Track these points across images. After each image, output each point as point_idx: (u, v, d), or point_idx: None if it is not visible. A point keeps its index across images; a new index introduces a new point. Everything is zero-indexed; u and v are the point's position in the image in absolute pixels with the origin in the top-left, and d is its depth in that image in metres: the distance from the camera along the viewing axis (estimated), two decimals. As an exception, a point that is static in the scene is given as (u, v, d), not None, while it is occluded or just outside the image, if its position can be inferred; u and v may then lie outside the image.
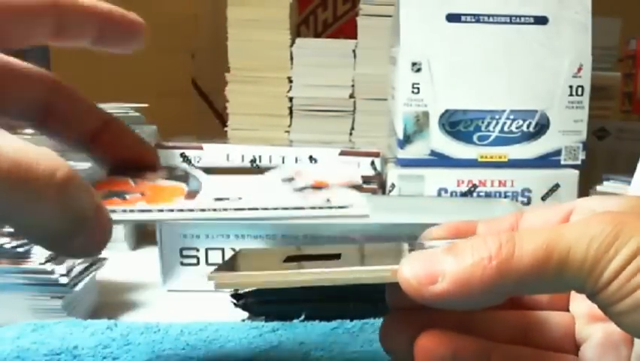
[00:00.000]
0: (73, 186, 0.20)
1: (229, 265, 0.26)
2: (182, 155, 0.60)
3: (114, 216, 0.22)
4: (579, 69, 0.60)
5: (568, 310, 0.28)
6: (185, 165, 0.28)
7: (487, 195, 0.60)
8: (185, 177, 0.27)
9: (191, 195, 0.25)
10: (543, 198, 0.61)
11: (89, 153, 0.28)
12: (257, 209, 0.24)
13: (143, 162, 0.27)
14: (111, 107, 0.60)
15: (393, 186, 0.60)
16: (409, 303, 0.28)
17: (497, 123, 0.60)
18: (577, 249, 0.21)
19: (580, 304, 0.27)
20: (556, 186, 0.60)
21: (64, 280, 0.38)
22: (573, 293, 0.27)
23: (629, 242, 0.21)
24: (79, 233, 0.21)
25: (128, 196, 0.25)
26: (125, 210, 0.23)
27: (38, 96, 0.27)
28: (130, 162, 0.27)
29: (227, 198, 0.25)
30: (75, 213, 0.20)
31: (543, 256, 0.21)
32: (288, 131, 0.78)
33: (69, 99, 0.27)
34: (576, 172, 0.61)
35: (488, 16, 0.59)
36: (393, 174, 0.60)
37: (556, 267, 0.21)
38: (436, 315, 0.27)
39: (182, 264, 0.45)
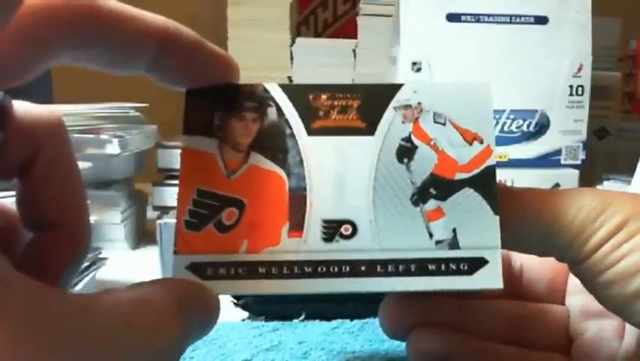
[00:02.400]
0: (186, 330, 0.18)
1: None
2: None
3: (220, 290, 0.21)
4: (579, 69, 0.60)
5: (563, 304, 0.28)
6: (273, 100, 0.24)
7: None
8: (281, 144, 0.23)
9: (295, 202, 0.23)
10: (543, 198, 0.61)
11: (156, 79, 0.23)
12: (375, 269, 0.22)
13: (218, 76, 0.23)
14: (111, 107, 0.60)
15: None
16: None
17: (497, 123, 0.60)
18: (567, 212, 0.22)
19: (575, 299, 0.27)
20: (557, 185, 0.60)
21: (64, 280, 0.38)
22: (569, 288, 0.28)
23: (614, 216, 0.21)
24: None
25: (225, 222, 0.23)
26: (229, 280, 0.22)
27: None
28: (204, 77, 0.23)
29: (337, 225, 0.23)
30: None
31: (534, 209, 0.22)
32: (288, 131, 0.78)
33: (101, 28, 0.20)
34: (576, 172, 0.61)
35: (488, 15, 0.59)
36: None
37: (546, 222, 0.22)
38: (434, 300, 0.27)
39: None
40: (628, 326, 0.25)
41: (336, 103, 0.24)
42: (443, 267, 0.23)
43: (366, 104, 0.24)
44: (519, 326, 0.27)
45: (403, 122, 0.24)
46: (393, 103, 0.24)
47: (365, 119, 0.24)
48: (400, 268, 0.22)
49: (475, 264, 0.23)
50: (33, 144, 0.21)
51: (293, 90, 0.24)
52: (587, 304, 0.26)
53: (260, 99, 0.24)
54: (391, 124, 0.24)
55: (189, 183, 0.23)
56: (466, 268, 0.23)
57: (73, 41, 0.19)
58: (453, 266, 0.23)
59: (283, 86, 0.24)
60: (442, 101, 0.24)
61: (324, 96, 0.24)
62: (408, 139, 0.24)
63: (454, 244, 0.23)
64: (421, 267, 0.22)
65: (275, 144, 0.23)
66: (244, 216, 0.23)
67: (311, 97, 0.24)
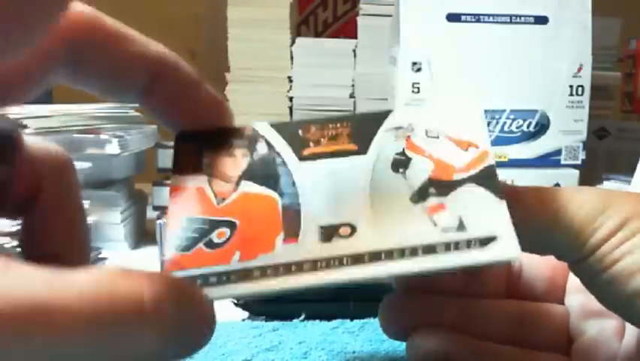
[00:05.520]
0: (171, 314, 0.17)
1: None
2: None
3: (213, 295, 0.19)
4: (579, 69, 0.60)
5: (563, 303, 0.28)
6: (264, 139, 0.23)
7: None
8: (272, 172, 0.23)
9: (289, 216, 0.22)
10: (543, 198, 0.61)
11: (147, 112, 0.22)
12: (379, 258, 0.21)
13: (210, 120, 0.23)
14: (111, 107, 0.60)
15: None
16: (414, 283, 0.28)
17: (497, 123, 0.60)
18: (567, 210, 0.22)
19: (575, 298, 0.27)
20: (557, 186, 0.60)
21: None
22: (569, 287, 0.28)
23: (615, 215, 0.21)
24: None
25: (216, 240, 0.21)
26: (223, 284, 0.21)
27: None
28: (195, 120, 0.23)
29: (335, 228, 0.22)
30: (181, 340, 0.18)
31: (535, 207, 0.22)
32: (288, 131, 0.78)
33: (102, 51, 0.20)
34: (576, 172, 0.61)
35: (488, 15, 0.59)
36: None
37: (546, 220, 0.22)
38: (434, 300, 0.27)
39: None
40: (628, 325, 0.25)
41: (326, 133, 0.24)
42: (452, 247, 0.21)
43: (357, 131, 0.24)
44: (519, 326, 0.27)
45: (396, 141, 0.23)
46: (383, 128, 0.24)
47: (356, 143, 0.23)
48: (406, 252, 0.21)
49: (487, 240, 0.21)
50: (37, 180, 0.20)
51: (282, 127, 0.24)
52: (587, 304, 0.26)
53: (249, 138, 0.24)
54: (384, 143, 0.23)
55: (178, 215, 0.22)
56: (477, 244, 0.21)
57: (70, 54, 0.19)
58: (464, 245, 0.21)
59: (273, 124, 0.24)
60: (433, 123, 0.24)
61: (313, 128, 0.24)
62: (402, 153, 0.23)
63: (461, 228, 0.21)
64: (429, 249, 0.21)
65: (266, 172, 0.23)
66: (236, 234, 0.22)
67: (300, 131, 0.24)
